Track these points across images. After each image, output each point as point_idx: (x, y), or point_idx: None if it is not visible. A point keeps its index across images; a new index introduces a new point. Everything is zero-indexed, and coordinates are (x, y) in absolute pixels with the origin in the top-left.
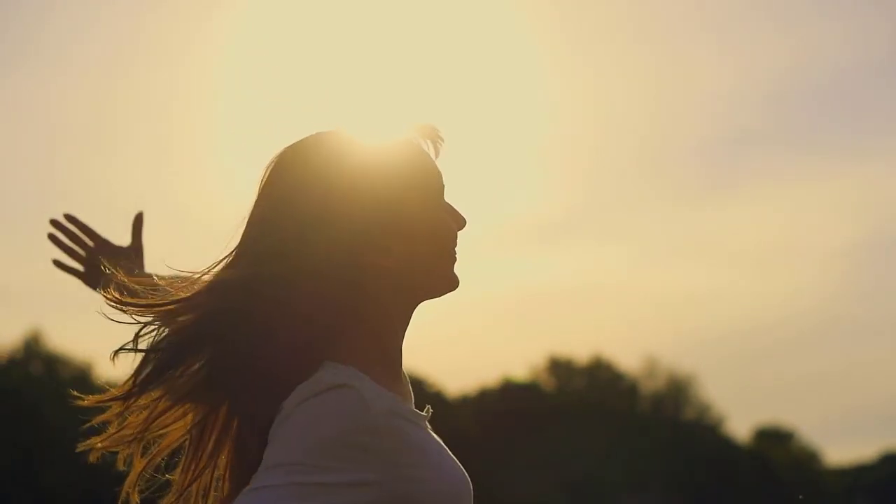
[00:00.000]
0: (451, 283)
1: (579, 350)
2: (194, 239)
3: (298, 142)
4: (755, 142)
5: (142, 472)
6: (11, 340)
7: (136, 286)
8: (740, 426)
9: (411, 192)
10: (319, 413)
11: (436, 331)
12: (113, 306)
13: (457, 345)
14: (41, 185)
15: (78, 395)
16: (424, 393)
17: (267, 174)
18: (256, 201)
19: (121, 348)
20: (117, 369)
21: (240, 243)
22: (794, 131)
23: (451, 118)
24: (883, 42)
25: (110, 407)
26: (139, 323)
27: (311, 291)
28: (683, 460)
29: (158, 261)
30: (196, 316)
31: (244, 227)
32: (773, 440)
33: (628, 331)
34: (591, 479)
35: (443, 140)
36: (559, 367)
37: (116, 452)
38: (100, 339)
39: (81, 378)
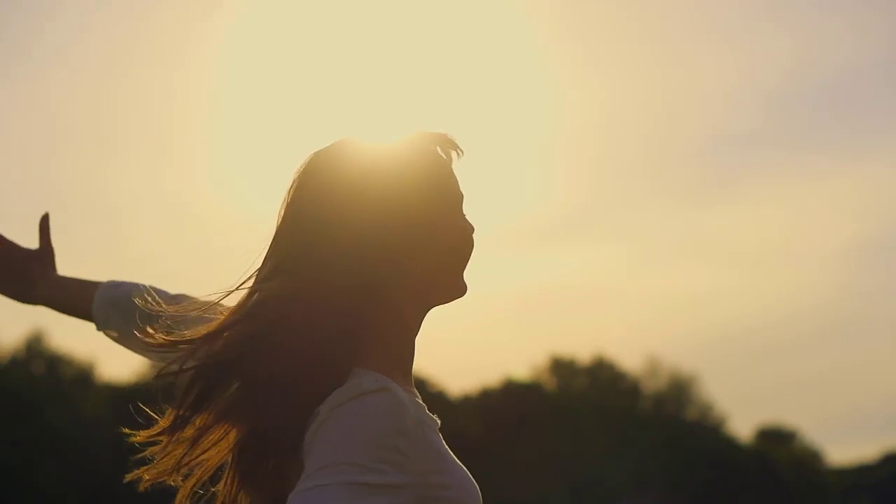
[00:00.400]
0: (462, 290)
1: (581, 350)
2: (193, 237)
3: (321, 152)
4: (756, 142)
5: (191, 489)
6: (13, 340)
7: (173, 314)
8: (742, 426)
9: (436, 201)
10: (362, 415)
11: (438, 331)
12: (162, 346)
13: (459, 345)
14: (41, 185)
15: (129, 431)
16: (427, 393)
17: (293, 188)
18: (284, 214)
19: (162, 373)
20: (118, 369)
21: (269, 255)
22: (795, 131)
23: (452, 117)
24: (883, 42)
25: (160, 440)
26: (184, 355)
27: (339, 303)
28: (685, 460)
29: (159, 258)
30: (230, 340)
31: (273, 238)
32: (775, 440)
33: (630, 330)
34: (593, 479)
35: (462, 152)
36: (561, 367)
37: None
38: (101, 338)
39: (83, 378)
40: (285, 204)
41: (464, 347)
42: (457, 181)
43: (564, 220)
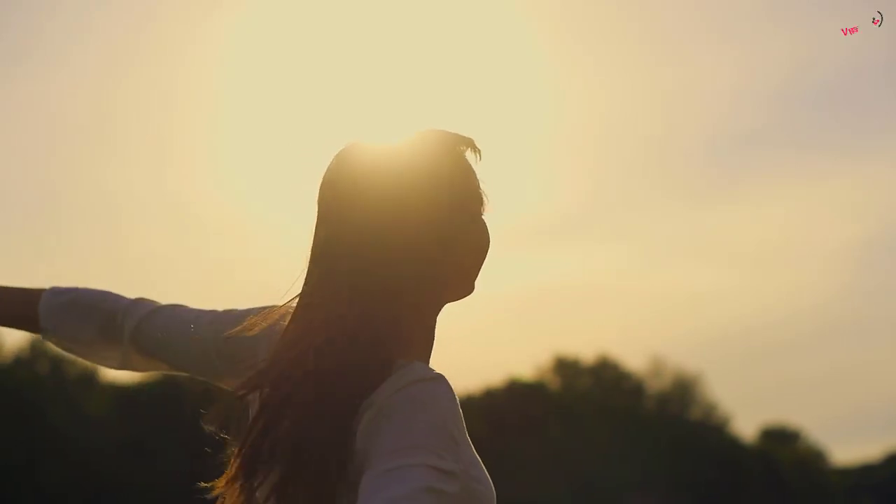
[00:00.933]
0: (472, 289)
1: (585, 350)
2: (193, 237)
3: (343, 161)
4: (759, 141)
5: None
6: (17, 339)
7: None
8: (746, 426)
9: (464, 203)
10: (424, 401)
11: (442, 331)
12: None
13: (462, 345)
14: (41, 184)
15: (206, 485)
16: None
17: (320, 201)
18: (316, 229)
19: (220, 421)
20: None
21: (309, 272)
22: (798, 131)
23: (454, 116)
24: (884, 42)
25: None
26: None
27: (376, 311)
28: (689, 460)
29: (159, 258)
30: (282, 375)
31: (311, 251)
32: (779, 440)
33: (634, 330)
34: (597, 479)
35: (480, 153)
36: (565, 367)
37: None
38: None
39: (87, 378)
40: (317, 218)
41: (467, 347)
42: (478, 182)
43: (569, 220)
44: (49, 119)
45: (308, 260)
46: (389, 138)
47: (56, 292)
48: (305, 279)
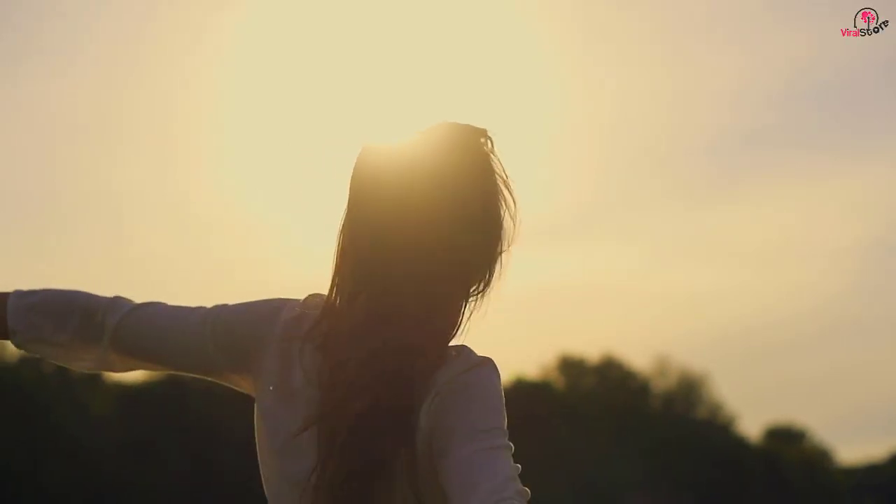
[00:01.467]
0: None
1: (590, 349)
2: (196, 237)
3: (361, 160)
4: (761, 141)
5: None
6: None
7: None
8: (752, 425)
9: (469, 203)
10: (488, 384)
11: None
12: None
13: (467, 344)
14: (43, 184)
15: None
16: None
17: (354, 206)
18: (352, 230)
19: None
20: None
21: (347, 274)
22: (803, 130)
23: (455, 116)
24: (886, 41)
25: None
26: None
27: (420, 308)
28: (694, 459)
29: (161, 258)
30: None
31: (347, 254)
32: (785, 439)
33: (640, 329)
34: (601, 478)
35: (493, 144)
36: (570, 366)
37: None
38: None
39: (92, 377)
40: (352, 221)
41: (472, 346)
42: (493, 176)
43: (574, 219)
44: (50, 119)
45: (337, 255)
46: (396, 138)
47: (22, 294)
48: (340, 275)
